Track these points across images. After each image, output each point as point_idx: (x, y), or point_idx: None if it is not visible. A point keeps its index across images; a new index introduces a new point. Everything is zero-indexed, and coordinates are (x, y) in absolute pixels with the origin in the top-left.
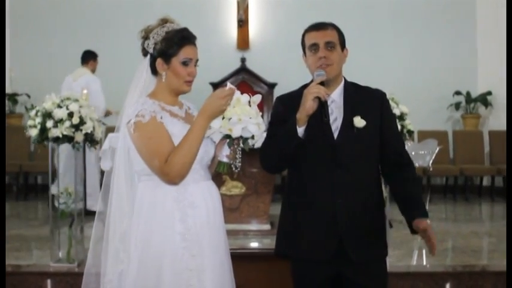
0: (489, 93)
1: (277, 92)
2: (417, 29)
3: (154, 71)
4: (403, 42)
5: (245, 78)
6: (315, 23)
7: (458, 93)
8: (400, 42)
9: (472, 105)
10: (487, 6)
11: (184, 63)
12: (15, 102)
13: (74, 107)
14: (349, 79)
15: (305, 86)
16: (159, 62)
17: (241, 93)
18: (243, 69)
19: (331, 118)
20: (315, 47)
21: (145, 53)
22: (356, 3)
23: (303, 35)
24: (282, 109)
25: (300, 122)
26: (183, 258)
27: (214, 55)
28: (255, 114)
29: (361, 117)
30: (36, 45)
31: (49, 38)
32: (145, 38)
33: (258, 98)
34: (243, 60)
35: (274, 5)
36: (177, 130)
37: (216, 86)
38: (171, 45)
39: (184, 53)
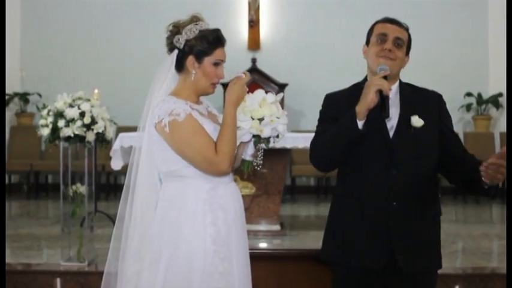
0: (500, 94)
1: (288, 93)
2: (428, 30)
3: (180, 68)
4: (414, 44)
5: (256, 79)
6: (391, 17)
7: (469, 94)
8: (412, 43)
9: (483, 106)
10: (499, 7)
11: (216, 64)
12: (26, 101)
13: (85, 106)
14: (360, 80)
15: (356, 85)
16: (190, 59)
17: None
18: (253, 70)
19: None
20: (383, 37)
21: (172, 47)
22: (368, 4)
23: (374, 24)
24: (331, 107)
25: (359, 115)
26: (213, 261)
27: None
28: (282, 114)
29: (419, 117)
30: (47, 45)
31: (60, 37)
32: (176, 32)
33: (280, 96)
34: (253, 60)
35: (286, 5)
36: (208, 129)
37: (226, 86)
38: (206, 44)
39: (218, 54)
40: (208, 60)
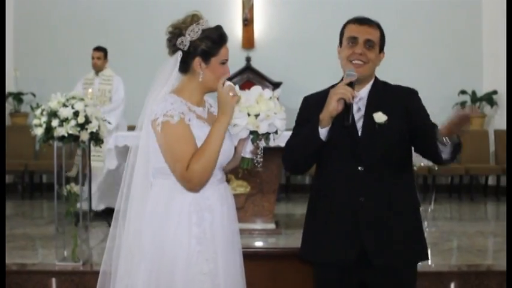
0: (495, 92)
1: (282, 91)
2: (422, 28)
3: (185, 69)
4: (408, 41)
5: (250, 78)
6: (359, 16)
7: (463, 92)
8: (406, 41)
9: (477, 104)
10: (493, 5)
11: (223, 63)
12: (20, 101)
13: (79, 106)
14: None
15: (333, 86)
16: (197, 61)
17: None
18: (248, 69)
19: (358, 116)
20: (353, 40)
21: (174, 50)
22: (362, 2)
23: (344, 25)
24: (307, 109)
25: (322, 122)
26: (197, 262)
27: None
28: (279, 109)
29: (383, 113)
30: (41, 45)
31: (54, 37)
32: (178, 34)
33: (278, 92)
34: (248, 59)
35: (280, 4)
36: (203, 134)
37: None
38: (212, 45)
39: (223, 53)
40: (215, 60)
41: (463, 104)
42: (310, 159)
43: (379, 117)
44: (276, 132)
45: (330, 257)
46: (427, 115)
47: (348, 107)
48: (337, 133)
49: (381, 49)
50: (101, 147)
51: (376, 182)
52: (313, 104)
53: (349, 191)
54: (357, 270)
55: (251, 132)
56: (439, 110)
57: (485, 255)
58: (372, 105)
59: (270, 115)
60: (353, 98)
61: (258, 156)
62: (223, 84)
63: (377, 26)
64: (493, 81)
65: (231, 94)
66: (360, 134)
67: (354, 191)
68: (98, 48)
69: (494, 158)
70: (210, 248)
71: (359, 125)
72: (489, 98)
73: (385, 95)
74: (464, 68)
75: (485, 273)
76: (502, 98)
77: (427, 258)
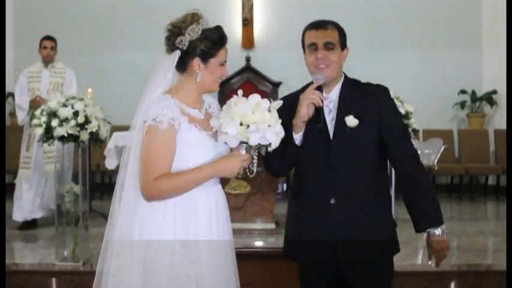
0: (494, 92)
1: (282, 91)
2: (422, 28)
3: (182, 68)
4: (408, 41)
5: (250, 77)
6: (315, 21)
7: (463, 92)
8: (405, 41)
9: (477, 104)
10: (492, 4)
11: (221, 64)
12: None
13: (79, 106)
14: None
15: (307, 86)
16: (196, 61)
17: (242, 94)
18: (247, 68)
19: (329, 118)
20: (314, 46)
21: (173, 48)
22: (361, 2)
23: (303, 33)
24: (283, 111)
25: (295, 127)
26: (181, 265)
27: None
28: (274, 122)
29: (355, 116)
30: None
31: (54, 35)
32: (178, 33)
33: (278, 104)
34: (247, 59)
35: (279, 4)
36: (192, 139)
37: (220, 84)
38: (212, 45)
39: (222, 54)
40: (214, 61)
41: (462, 104)
42: (286, 163)
43: (350, 120)
44: (270, 145)
45: (306, 256)
46: (398, 120)
47: (318, 111)
48: (312, 136)
49: (343, 46)
50: (100, 147)
51: (347, 184)
52: (287, 106)
53: (321, 193)
54: (332, 265)
55: (244, 142)
56: (439, 109)
57: (485, 254)
58: (342, 108)
59: (260, 128)
60: (322, 101)
61: (253, 165)
62: (242, 150)
63: (334, 25)
64: (492, 80)
65: (242, 158)
66: (331, 137)
67: (325, 193)
68: (50, 38)
69: (494, 158)
70: (195, 251)
71: (330, 127)
72: (489, 98)
73: (356, 95)
74: (464, 67)
75: (485, 273)
76: (501, 97)
77: (398, 251)
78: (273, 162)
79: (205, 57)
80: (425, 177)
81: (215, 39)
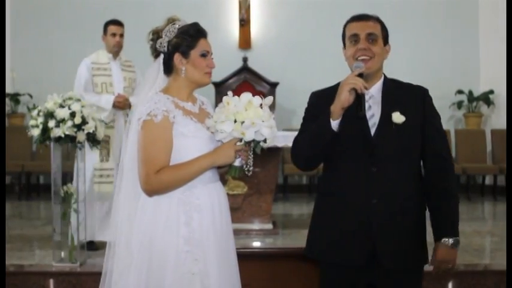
0: (491, 92)
1: (279, 91)
2: (419, 28)
3: (168, 70)
4: (405, 41)
5: (247, 78)
6: (357, 14)
7: (460, 92)
8: (402, 41)
9: (474, 104)
10: (489, 4)
11: (203, 55)
12: (17, 102)
13: (76, 106)
14: None
15: (338, 84)
16: (177, 57)
17: (251, 94)
18: (245, 69)
19: (369, 114)
20: (355, 37)
21: (157, 54)
22: (358, 2)
23: (344, 26)
24: (315, 104)
25: (334, 114)
26: (186, 262)
27: (216, 54)
28: (268, 117)
29: (400, 113)
30: (37, 45)
31: (50, 37)
32: (157, 38)
33: (269, 100)
34: (245, 59)
35: (276, 4)
36: (188, 130)
37: (218, 85)
38: (188, 38)
39: (202, 44)
40: (194, 53)
41: (459, 104)
42: (321, 154)
43: (398, 117)
44: (265, 141)
45: (339, 258)
46: (439, 121)
47: (359, 98)
48: (349, 129)
49: (386, 42)
50: (98, 148)
51: (389, 184)
52: (321, 99)
53: (361, 192)
54: (365, 272)
55: (239, 140)
56: (437, 109)
57: (482, 254)
58: (388, 103)
59: (255, 122)
60: (366, 88)
61: (248, 164)
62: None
63: (376, 19)
64: (489, 80)
65: (236, 148)
66: (372, 133)
67: (367, 192)
68: (119, 23)
69: (491, 158)
70: (199, 248)
71: (371, 122)
72: (486, 98)
73: (399, 93)
74: (461, 67)
75: (482, 273)
76: (498, 97)
77: (428, 262)
78: (303, 154)
79: (185, 50)
80: (454, 184)
81: (191, 32)
